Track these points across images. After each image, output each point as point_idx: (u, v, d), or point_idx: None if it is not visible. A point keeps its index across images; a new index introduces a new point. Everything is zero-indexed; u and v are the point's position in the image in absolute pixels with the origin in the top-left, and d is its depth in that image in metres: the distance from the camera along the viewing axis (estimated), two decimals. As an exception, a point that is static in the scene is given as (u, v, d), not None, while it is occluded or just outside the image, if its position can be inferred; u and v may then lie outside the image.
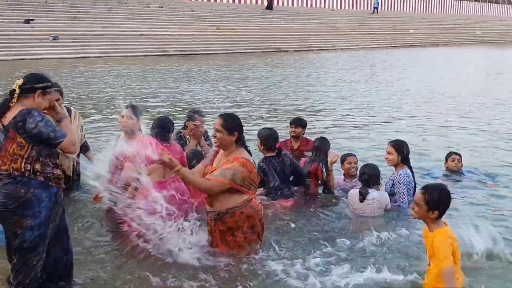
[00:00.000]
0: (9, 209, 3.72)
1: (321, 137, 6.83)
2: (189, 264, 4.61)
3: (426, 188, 4.01)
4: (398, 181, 5.95)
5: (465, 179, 7.30)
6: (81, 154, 6.47)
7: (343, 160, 6.69)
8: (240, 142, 4.64)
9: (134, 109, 5.56)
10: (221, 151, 4.71)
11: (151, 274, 4.46)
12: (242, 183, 4.50)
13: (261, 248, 4.83)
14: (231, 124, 4.58)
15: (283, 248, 5.00)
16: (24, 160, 3.75)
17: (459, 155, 7.54)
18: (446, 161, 7.51)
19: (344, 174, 6.73)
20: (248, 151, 4.71)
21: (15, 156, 3.73)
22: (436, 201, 3.88)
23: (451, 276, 3.79)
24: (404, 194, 5.95)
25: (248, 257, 4.65)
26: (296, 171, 6.19)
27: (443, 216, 3.97)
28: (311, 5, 54.24)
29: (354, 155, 6.80)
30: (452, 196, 4.08)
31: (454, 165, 7.42)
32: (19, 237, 3.78)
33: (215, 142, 4.67)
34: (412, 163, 6.22)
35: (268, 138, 6.04)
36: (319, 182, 6.47)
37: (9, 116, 3.73)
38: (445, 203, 3.93)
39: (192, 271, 4.54)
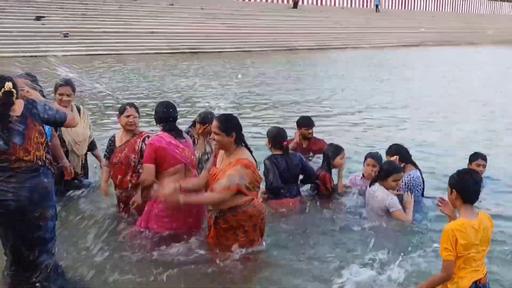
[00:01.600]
0: (34, 202, 3.74)
1: (330, 143, 6.71)
2: (192, 263, 4.67)
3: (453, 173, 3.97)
4: (405, 183, 5.89)
5: (487, 188, 6.62)
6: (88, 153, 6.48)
7: (365, 158, 6.47)
8: (240, 141, 4.64)
9: (136, 107, 5.57)
10: (221, 151, 4.73)
11: (152, 273, 4.50)
12: (249, 185, 4.52)
13: (263, 245, 4.85)
14: (228, 126, 4.57)
15: (285, 246, 5.04)
16: (44, 149, 3.86)
17: (486, 159, 6.73)
18: (471, 163, 6.62)
19: (363, 174, 6.51)
20: (249, 150, 4.71)
21: (38, 144, 3.81)
22: (454, 183, 3.82)
23: (446, 269, 3.76)
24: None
25: (249, 255, 4.66)
26: (305, 170, 6.16)
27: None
28: (322, 3, 54.09)
29: (375, 158, 6.38)
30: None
31: (480, 171, 6.47)
32: (42, 228, 3.82)
33: (215, 145, 4.71)
34: (429, 163, 6.12)
35: (276, 137, 6.06)
36: (327, 188, 6.34)
37: (17, 108, 3.79)
38: (463, 186, 3.79)
39: (194, 269, 4.59)
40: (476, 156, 6.68)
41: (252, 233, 4.69)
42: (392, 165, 5.80)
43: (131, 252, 4.89)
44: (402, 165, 5.94)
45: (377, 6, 57.25)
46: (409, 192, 5.84)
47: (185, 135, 5.19)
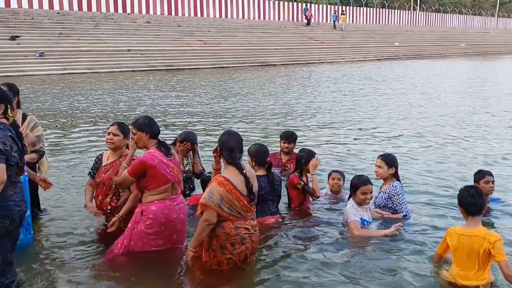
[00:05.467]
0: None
1: (302, 148, 6.78)
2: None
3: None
4: (396, 193, 5.98)
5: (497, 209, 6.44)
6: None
7: (329, 174, 6.87)
8: (228, 161, 4.59)
9: (120, 126, 5.38)
10: None
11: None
12: (219, 203, 4.38)
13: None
14: (218, 140, 4.71)
15: (264, 265, 4.97)
16: None
17: (492, 175, 6.34)
18: (478, 182, 6.23)
19: (330, 190, 6.83)
20: (244, 175, 4.52)
21: None
22: (458, 199, 4.53)
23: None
24: (405, 203, 6.05)
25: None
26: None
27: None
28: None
29: (339, 172, 6.87)
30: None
31: (489, 188, 6.30)
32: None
33: None
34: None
35: (258, 154, 5.91)
36: (298, 190, 6.36)
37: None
38: (462, 200, 4.46)
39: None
40: (482, 174, 6.35)
41: (219, 254, 4.53)
42: (358, 178, 5.85)
43: (113, 273, 4.84)
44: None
45: (334, 22, 53.52)
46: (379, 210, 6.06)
47: (172, 151, 5.10)
